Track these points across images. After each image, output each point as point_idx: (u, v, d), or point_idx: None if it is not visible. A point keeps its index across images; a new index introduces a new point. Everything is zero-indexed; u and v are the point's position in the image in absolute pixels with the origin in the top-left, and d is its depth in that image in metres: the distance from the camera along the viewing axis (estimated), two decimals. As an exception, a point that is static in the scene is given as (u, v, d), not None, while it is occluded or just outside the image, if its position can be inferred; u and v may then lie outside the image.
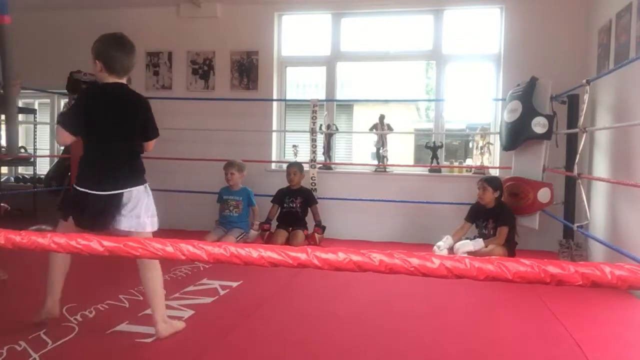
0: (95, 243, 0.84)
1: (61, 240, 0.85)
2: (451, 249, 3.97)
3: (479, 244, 3.87)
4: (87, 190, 2.24)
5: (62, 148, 5.29)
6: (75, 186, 2.29)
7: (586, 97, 3.25)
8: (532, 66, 4.42)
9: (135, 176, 2.34)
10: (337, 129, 5.22)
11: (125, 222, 2.28)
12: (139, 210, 2.30)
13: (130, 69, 2.34)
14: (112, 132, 2.29)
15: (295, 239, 4.41)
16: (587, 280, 0.72)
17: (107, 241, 0.85)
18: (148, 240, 0.84)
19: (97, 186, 2.24)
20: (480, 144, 4.88)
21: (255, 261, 0.82)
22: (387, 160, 4.99)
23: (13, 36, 2.48)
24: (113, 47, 2.28)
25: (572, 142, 4.09)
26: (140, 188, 2.33)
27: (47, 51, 5.53)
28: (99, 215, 2.25)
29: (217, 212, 4.65)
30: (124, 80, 2.34)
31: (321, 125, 5.01)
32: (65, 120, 2.37)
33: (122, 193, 2.26)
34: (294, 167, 4.62)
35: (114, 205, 2.25)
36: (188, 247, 0.83)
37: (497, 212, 3.99)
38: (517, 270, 0.74)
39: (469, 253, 3.79)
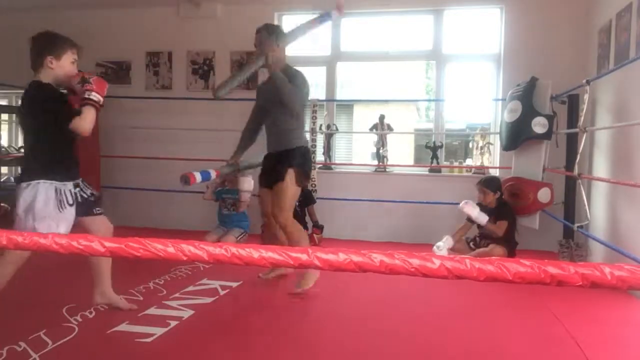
0: (97, 244, 0.84)
1: (62, 241, 0.85)
2: (451, 249, 3.97)
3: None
4: None
5: None
6: None
7: (586, 97, 3.25)
8: (532, 66, 4.41)
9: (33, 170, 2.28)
10: (337, 129, 5.21)
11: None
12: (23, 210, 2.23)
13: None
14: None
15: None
16: (587, 281, 0.72)
17: (108, 242, 0.85)
18: (149, 240, 0.84)
19: None
20: (480, 144, 4.88)
21: (256, 261, 0.83)
22: (387, 160, 4.99)
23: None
24: None
25: (572, 142, 4.08)
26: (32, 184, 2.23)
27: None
28: None
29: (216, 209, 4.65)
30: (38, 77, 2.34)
31: (321, 125, 5.01)
32: None
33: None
34: None
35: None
36: (189, 248, 0.83)
37: (498, 211, 3.99)
38: (517, 270, 0.75)
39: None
